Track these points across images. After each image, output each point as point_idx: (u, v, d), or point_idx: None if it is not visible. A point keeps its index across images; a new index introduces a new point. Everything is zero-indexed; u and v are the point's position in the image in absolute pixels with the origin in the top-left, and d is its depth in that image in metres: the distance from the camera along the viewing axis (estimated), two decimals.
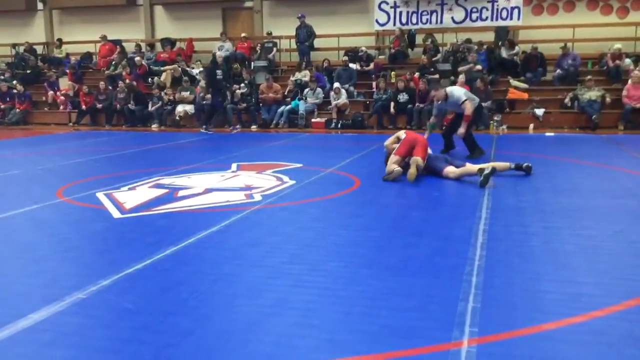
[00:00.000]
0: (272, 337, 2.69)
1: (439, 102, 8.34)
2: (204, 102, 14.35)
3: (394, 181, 6.53)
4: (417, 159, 6.52)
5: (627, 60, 13.62)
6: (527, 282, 3.36)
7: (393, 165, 6.65)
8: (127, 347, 2.61)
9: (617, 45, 13.78)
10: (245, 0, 17.72)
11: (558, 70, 13.87)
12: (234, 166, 7.85)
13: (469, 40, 14.83)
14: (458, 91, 8.30)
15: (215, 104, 13.82)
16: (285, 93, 14.65)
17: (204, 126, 13.67)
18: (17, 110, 16.21)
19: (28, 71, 17.76)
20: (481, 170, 6.26)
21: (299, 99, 14.34)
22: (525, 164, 6.84)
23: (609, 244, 4.12)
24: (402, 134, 7.08)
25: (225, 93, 14.12)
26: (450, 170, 6.67)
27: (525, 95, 13.53)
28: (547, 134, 12.09)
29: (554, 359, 2.47)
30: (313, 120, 14.03)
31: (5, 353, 2.58)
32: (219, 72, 13.61)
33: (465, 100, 8.04)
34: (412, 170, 6.41)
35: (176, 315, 2.94)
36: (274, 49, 16.43)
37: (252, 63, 16.02)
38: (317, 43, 16.22)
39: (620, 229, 4.48)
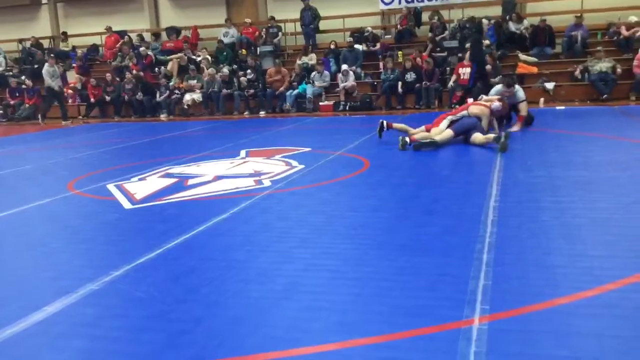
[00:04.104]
0: (284, 321, 2.70)
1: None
2: (211, 89, 14.33)
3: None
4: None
5: None
6: (538, 258, 3.33)
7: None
8: (141, 336, 2.64)
9: (633, 17, 13.46)
10: None
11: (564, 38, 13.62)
12: (242, 153, 7.85)
13: (472, 19, 14.58)
14: (520, 91, 8.87)
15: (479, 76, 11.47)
16: (292, 77, 14.59)
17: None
18: (27, 105, 16.29)
19: (36, 66, 17.81)
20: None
21: (306, 83, 14.27)
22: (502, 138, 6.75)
23: (621, 216, 4.08)
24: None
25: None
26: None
27: (535, 69, 13.35)
28: (558, 107, 11.95)
29: (568, 333, 2.45)
30: (321, 103, 13.98)
31: (20, 345, 2.61)
32: (485, 42, 12.57)
33: (523, 100, 8.75)
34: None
35: (188, 303, 2.96)
36: (279, 34, 16.34)
37: (258, 48, 15.96)
38: (322, 25, 16.10)
39: (633, 201, 4.43)
